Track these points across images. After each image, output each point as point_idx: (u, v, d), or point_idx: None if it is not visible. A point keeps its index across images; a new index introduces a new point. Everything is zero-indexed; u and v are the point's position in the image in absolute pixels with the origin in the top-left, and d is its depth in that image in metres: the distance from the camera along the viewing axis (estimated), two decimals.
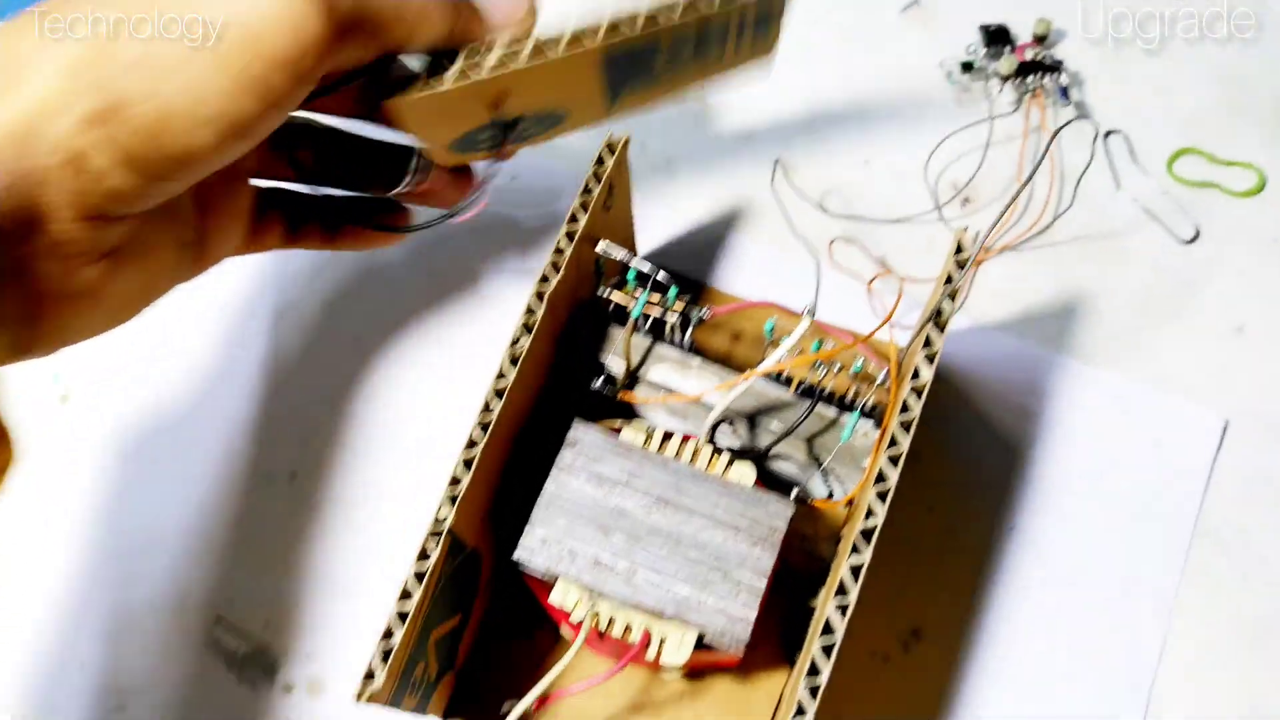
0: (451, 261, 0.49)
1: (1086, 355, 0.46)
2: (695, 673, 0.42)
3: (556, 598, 0.36)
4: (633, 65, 0.34)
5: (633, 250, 0.45)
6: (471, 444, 0.33)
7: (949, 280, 0.34)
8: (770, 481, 0.40)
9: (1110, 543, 0.43)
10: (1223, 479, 0.44)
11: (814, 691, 0.30)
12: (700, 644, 0.35)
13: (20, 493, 0.46)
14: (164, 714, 0.42)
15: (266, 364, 0.47)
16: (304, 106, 0.35)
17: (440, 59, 0.31)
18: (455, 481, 0.33)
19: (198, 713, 0.42)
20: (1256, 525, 0.43)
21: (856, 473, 0.39)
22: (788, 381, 0.39)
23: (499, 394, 0.34)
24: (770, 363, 0.34)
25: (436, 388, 0.47)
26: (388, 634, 0.32)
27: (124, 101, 0.27)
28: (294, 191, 0.39)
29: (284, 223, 0.39)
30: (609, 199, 0.38)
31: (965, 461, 0.45)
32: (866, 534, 0.32)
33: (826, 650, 0.31)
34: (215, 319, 0.49)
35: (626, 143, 0.37)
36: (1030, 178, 0.36)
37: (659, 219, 0.49)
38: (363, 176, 0.39)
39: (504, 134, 0.34)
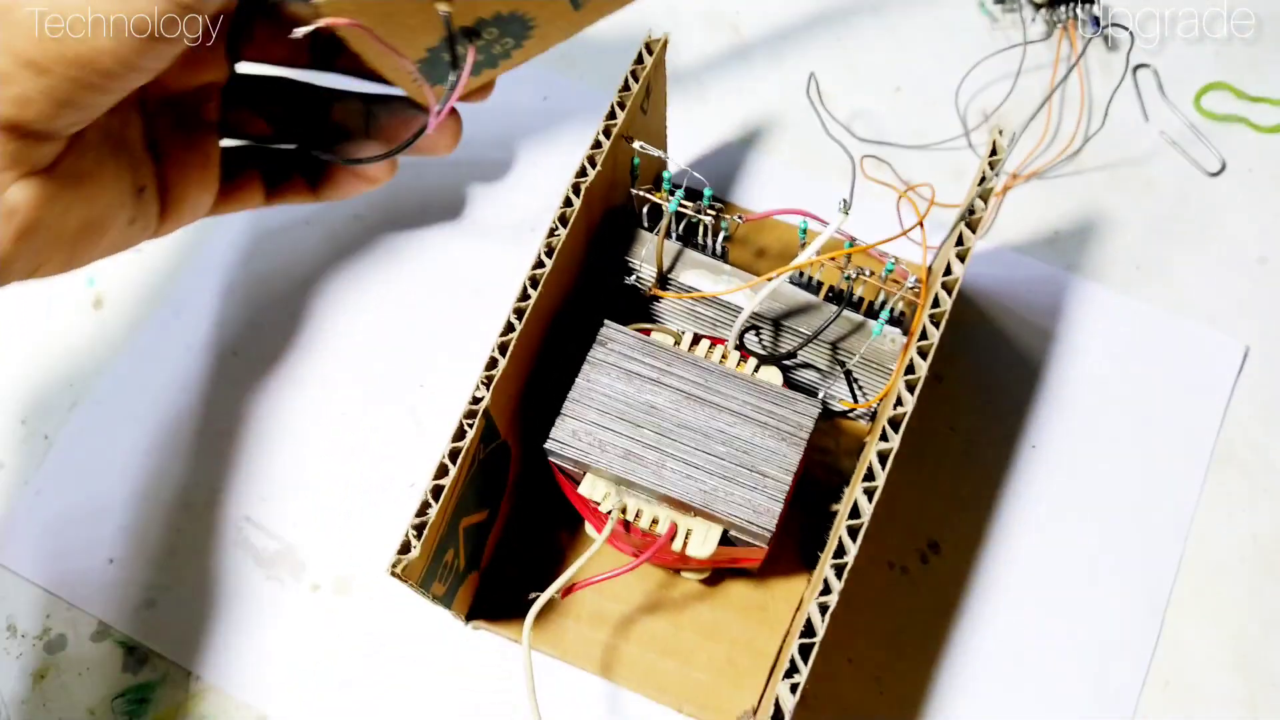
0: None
1: (1110, 280, 0.47)
2: (714, 577, 0.42)
3: (585, 489, 0.37)
4: None
5: None
6: (509, 328, 0.34)
7: (983, 180, 0.35)
8: (796, 388, 0.41)
9: (1130, 462, 0.44)
10: (1242, 404, 0.45)
11: (839, 570, 0.31)
12: (725, 540, 0.36)
13: (54, 391, 0.46)
14: (193, 609, 0.43)
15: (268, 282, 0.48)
16: (256, 58, 0.34)
17: None
18: (492, 364, 0.34)
19: (226, 609, 0.43)
20: (1275, 449, 0.44)
21: (881, 380, 0.40)
22: (817, 287, 0.40)
23: (534, 283, 0.35)
24: (807, 255, 0.34)
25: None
26: (422, 510, 0.32)
27: (12, 3, 0.26)
28: (270, 147, 0.39)
29: (262, 179, 0.39)
30: (645, 102, 0.39)
31: (987, 382, 0.45)
32: (894, 422, 0.32)
33: (852, 532, 0.31)
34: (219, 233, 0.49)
35: (665, 43, 0.38)
36: (1064, 79, 0.36)
37: (689, 138, 0.49)
38: (339, 130, 0.38)
39: (468, 40, 0.31)
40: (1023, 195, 0.48)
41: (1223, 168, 0.49)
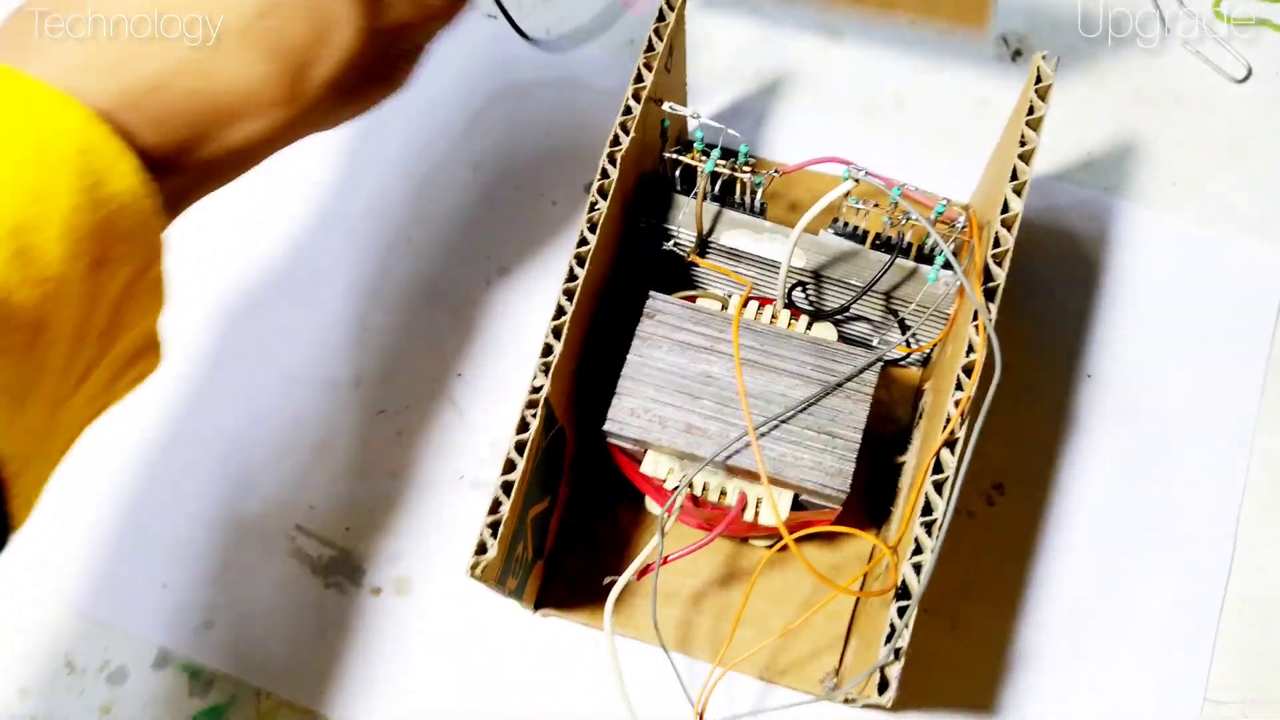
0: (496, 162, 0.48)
1: (1148, 199, 0.46)
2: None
3: (649, 467, 0.36)
4: None
5: None
6: (560, 312, 0.33)
7: (1031, 110, 0.33)
8: (849, 342, 0.40)
9: (1186, 383, 0.43)
10: None
11: (929, 528, 0.30)
12: (796, 505, 0.35)
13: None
14: (253, 625, 0.42)
15: (332, 272, 0.47)
16: None
17: None
18: (548, 350, 0.33)
19: (287, 621, 0.42)
20: None
21: (931, 325, 0.39)
22: (862, 236, 0.39)
23: (580, 261, 0.33)
24: (836, 193, 0.33)
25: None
26: (495, 507, 0.31)
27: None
28: None
29: None
30: (669, 60, 0.37)
31: (1036, 316, 0.44)
32: (968, 369, 0.31)
33: (938, 487, 0.31)
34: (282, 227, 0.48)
35: (684, 1, 0.36)
36: None
37: (708, 92, 0.48)
38: None
39: None
40: (1052, 120, 0.47)
41: (1249, 73, 0.48)
